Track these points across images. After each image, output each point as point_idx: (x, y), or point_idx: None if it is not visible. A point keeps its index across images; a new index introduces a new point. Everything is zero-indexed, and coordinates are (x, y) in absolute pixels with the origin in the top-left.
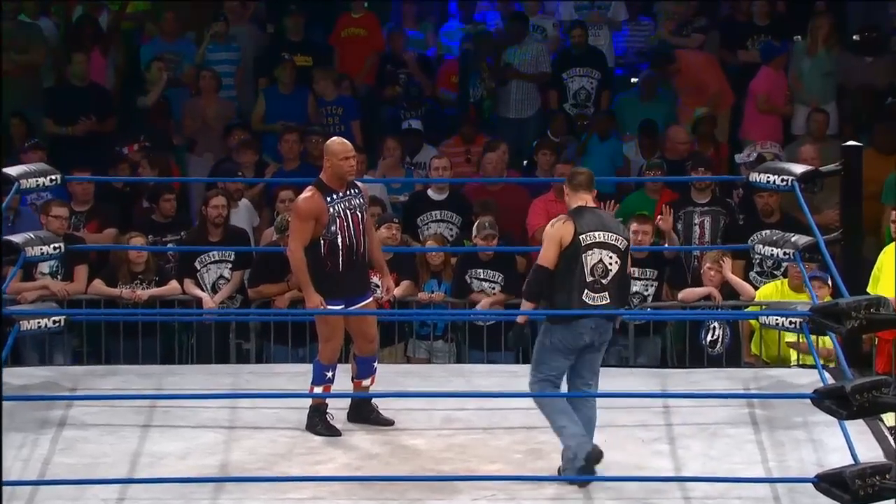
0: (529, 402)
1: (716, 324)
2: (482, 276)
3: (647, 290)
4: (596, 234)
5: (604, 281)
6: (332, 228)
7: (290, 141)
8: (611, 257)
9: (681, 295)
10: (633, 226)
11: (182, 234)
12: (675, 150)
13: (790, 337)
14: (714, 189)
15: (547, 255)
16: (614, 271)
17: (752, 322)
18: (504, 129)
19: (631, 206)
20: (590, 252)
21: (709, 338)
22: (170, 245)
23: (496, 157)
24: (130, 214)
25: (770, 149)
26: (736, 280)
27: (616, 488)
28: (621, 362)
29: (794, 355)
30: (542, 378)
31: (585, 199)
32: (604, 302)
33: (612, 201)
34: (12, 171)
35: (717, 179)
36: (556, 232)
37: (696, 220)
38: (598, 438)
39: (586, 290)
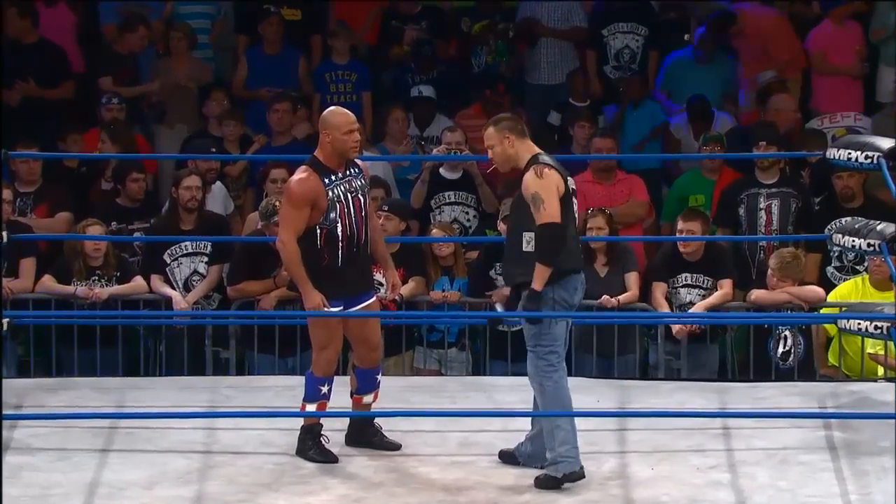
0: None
1: (787, 332)
2: None
3: (702, 300)
4: (569, 180)
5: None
6: (332, 215)
7: (280, 111)
8: (576, 205)
9: (751, 297)
10: (680, 224)
11: (151, 220)
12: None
13: (874, 347)
14: (784, 168)
15: (554, 209)
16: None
17: (830, 327)
18: (533, 97)
19: (683, 187)
20: (573, 201)
21: (780, 349)
22: (137, 234)
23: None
24: (88, 197)
25: (842, 121)
26: (798, 294)
27: None
28: (672, 374)
29: (880, 370)
30: (549, 350)
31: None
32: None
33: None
34: None
35: (788, 156)
36: (552, 181)
37: (762, 205)
38: (644, 466)
39: (576, 243)
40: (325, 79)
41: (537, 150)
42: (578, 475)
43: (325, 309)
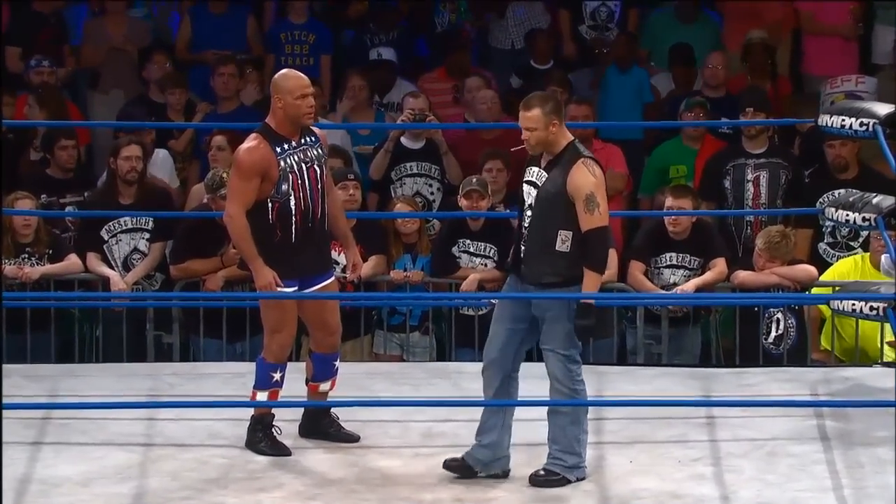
0: (533, 412)
1: (779, 315)
2: (472, 250)
3: (688, 281)
4: None
5: None
6: (284, 187)
7: (224, 74)
8: None
9: (738, 279)
10: (669, 201)
11: (85, 194)
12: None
13: (891, 335)
14: (772, 136)
15: (606, 212)
16: None
17: (823, 308)
18: (500, 61)
19: (664, 157)
20: None
21: (771, 334)
22: (69, 209)
23: (491, 95)
24: (15, 168)
25: (843, 86)
26: (787, 274)
27: None
28: (651, 360)
29: (891, 353)
30: (575, 358)
31: None
32: None
33: None
34: None
35: (776, 123)
36: (602, 180)
37: (750, 176)
38: (622, 458)
39: None
40: (279, 39)
41: (570, 135)
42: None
43: (278, 289)
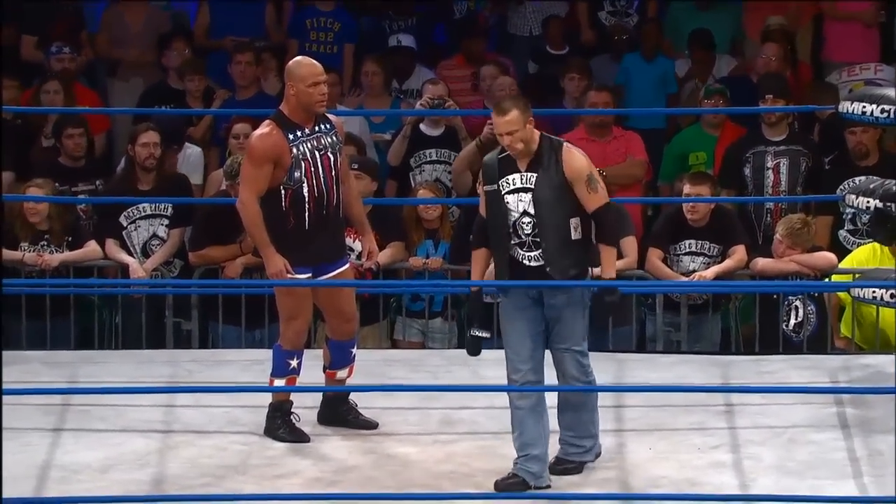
0: (552, 399)
1: (798, 302)
2: None
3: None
4: None
5: None
6: (296, 174)
7: (242, 62)
8: None
9: (757, 266)
10: (687, 188)
11: (97, 182)
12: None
13: None
14: (792, 123)
15: (605, 187)
16: None
17: (843, 296)
18: (517, 47)
19: (684, 144)
20: None
21: (791, 321)
22: (81, 196)
23: (509, 82)
24: (27, 156)
25: (861, 74)
26: (807, 261)
27: None
28: (671, 347)
29: None
30: (586, 352)
31: None
32: None
33: None
34: None
35: (797, 110)
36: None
37: (769, 164)
38: (641, 446)
39: None
40: (305, 26)
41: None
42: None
43: (289, 276)
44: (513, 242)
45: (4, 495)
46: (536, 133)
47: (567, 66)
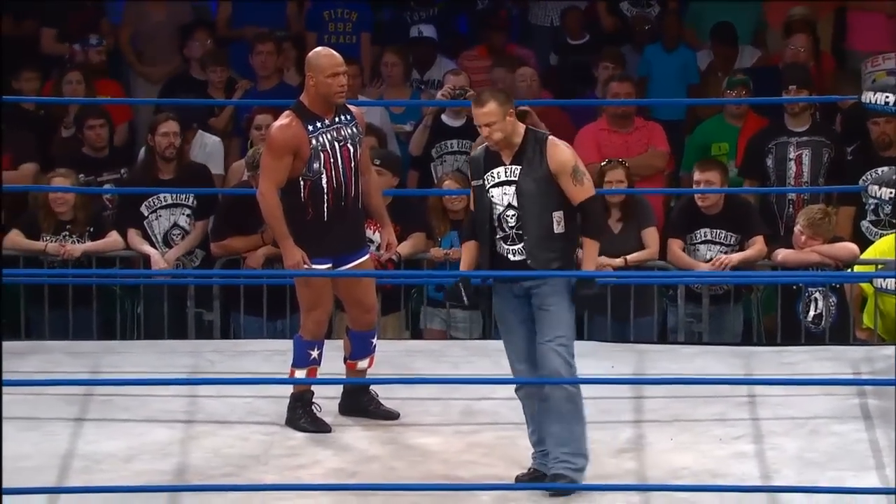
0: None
1: (817, 294)
2: None
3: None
4: None
5: None
6: (315, 165)
7: (263, 52)
8: None
9: (779, 257)
10: (696, 175)
11: (122, 171)
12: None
13: None
14: (814, 114)
15: (591, 180)
16: None
17: (865, 287)
18: (538, 38)
19: (706, 134)
20: None
21: (811, 313)
22: (106, 187)
23: (531, 73)
24: (47, 146)
25: (884, 64)
26: (828, 252)
27: (688, 500)
28: (692, 338)
29: None
30: (573, 352)
31: None
32: None
33: None
34: None
35: (819, 101)
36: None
37: (792, 154)
38: (663, 436)
39: None
40: (323, 17)
41: (522, 123)
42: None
43: (306, 267)
44: (497, 237)
45: (28, 484)
46: (521, 126)
47: (600, 55)
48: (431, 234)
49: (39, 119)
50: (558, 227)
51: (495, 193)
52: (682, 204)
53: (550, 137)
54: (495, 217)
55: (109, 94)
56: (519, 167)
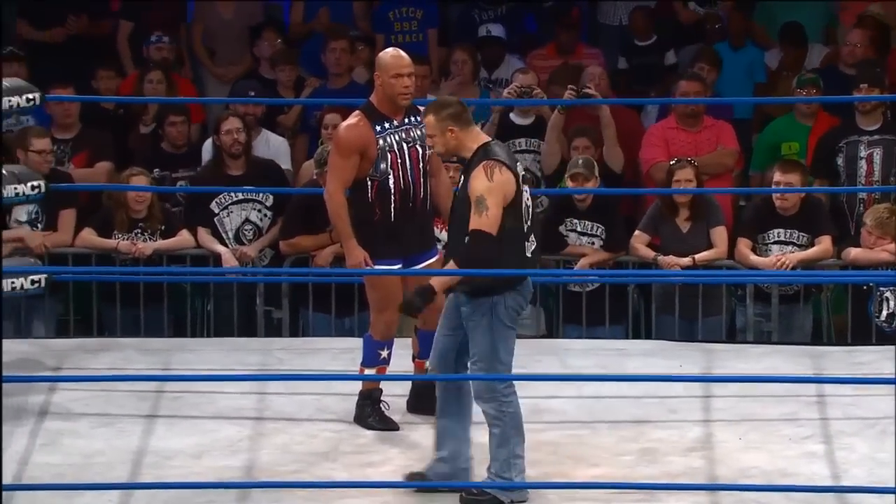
0: (640, 388)
1: (888, 293)
2: (580, 229)
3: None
4: (518, 167)
5: (530, 223)
6: (382, 166)
7: (336, 50)
8: (527, 191)
9: (850, 256)
10: (777, 176)
11: (198, 168)
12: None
13: None
14: (886, 112)
15: (494, 219)
16: (531, 207)
17: None
18: (606, 37)
19: (777, 133)
20: (524, 192)
21: (883, 312)
22: (180, 184)
23: (599, 72)
24: (125, 143)
25: None
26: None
27: (758, 500)
28: (761, 338)
29: None
30: (508, 366)
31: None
32: (534, 247)
33: None
34: None
35: (890, 99)
36: (502, 185)
37: (863, 154)
38: (731, 436)
39: (525, 241)
40: (388, 17)
41: (485, 137)
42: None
43: (368, 267)
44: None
45: (101, 480)
46: (474, 142)
47: (697, 55)
48: None
49: (118, 117)
50: None
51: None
52: (755, 203)
53: (485, 163)
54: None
55: (185, 93)
56: (461, 181)
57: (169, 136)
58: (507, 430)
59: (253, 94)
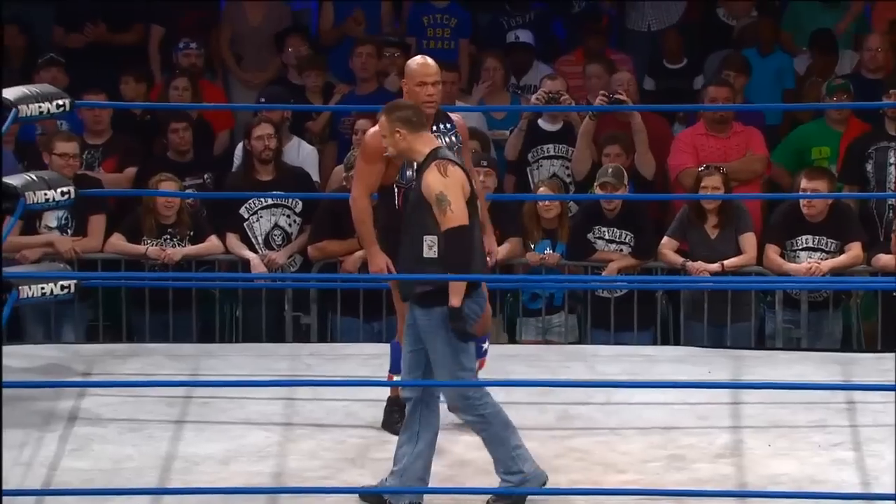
0: (668, 395)
1: None
2: (608, 236)
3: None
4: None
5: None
6: (409, 173)
7: (363, 55)
8: (480, 206)
9: (879, 262)
10: (804, 183)
11: (206, 176)
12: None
13: None
14: None
15: (461, 210)
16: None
17: None
18: (634, 43)
19: (806, 138)
20: (477, 202)
21: None
22: (189, 190)
23: (628, 78)
24: (150, 150)
25: None
26: None
27: None
28: (791, 344)
29: None
30: (471, 374)
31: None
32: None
33: None
34: (9, 94)
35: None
36: (457, 179)
37: (892, 160)
38: (760, 442)
39: (481, 247)
40: (422, 22)
41: (437, 143)
42: (545, 480)
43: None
44: None
45: (130, 485)
46: (426, 146)
47: (725, 62)
48: (527, 239)
49: (146, 124)
50: (429, 252)
51: None
52: (783, 209)
53: (437, 162)
54: None
55: (212, 99)
56: (413, 185)
57: (173, 143)
58: (495, 430)
59: (264, 100)
